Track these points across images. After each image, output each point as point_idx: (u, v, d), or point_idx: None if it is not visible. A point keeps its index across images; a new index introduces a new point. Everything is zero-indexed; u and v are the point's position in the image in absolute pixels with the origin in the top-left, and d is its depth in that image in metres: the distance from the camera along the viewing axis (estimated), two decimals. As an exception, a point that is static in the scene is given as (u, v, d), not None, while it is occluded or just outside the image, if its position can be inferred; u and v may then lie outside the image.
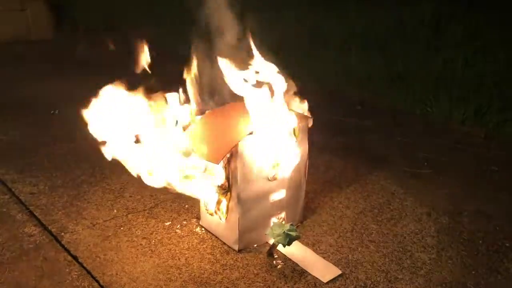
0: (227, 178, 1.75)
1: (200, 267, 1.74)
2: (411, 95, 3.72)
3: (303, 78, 1.90)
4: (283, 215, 1.92)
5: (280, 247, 1.80)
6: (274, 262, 1.77)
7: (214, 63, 1.74)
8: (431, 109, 3.51)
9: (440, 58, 4.37)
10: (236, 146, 1.66)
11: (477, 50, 4.44)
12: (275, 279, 1.68)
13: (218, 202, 1.84)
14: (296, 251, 1.82)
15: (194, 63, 1.85)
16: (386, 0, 5.55)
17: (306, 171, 1.95)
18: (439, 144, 2.96)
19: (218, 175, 1.78)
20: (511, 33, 4.51)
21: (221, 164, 1.72)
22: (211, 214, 1.90)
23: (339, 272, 1.72)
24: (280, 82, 1.75)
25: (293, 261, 1.78)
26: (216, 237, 1.91)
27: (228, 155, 1.69)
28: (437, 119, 3.39)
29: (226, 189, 1.78)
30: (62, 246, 1.85)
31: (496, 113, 3.28)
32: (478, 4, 5.29)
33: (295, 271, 1.73)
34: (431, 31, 5.02)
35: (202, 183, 1.81)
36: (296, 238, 1.72)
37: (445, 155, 2.79)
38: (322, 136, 2.84)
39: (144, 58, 1.87)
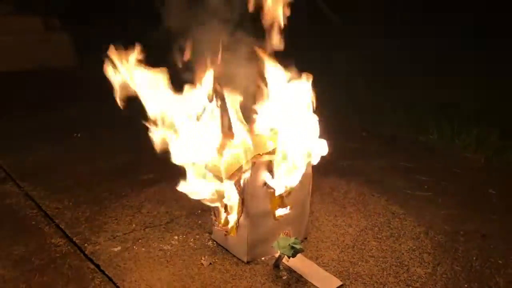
0: (239, 195, 1.92)
1: (212, 276, 1.89)
2: (415, 122, 3.88)
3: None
4: (289, 230, 2.08)
5: (285, 260, 1.94)
6: (280, 273, 1.92)
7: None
8: (433, 136, 3.66)
9: (444, 87, 4.56)
10: (245, 164, 1.84)
11: (479, 79, 4.62)
12: (280, 288, 1.83)
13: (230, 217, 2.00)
14: (300, 263, 1.97)
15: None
16: (390, 32, 5.82)
17: (310, 189, 2.12)
18: (439, 169, 3.10)
19: (232, 192, 1.95)
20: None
21: (233, 181, 1.90)
22: (221, 230, 2.06)
23: (340, 283, 1.86)
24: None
25: (297, 272, 1.92)
26: (227, 250, 2.07)
27: (239, 173, 1.86)
28: (439, 145, 3.54)
29: (238, 205, 1.95)
30: (86, 255, 2.02)
31: (496, 140, 3.42)
32: (481, 35, 5.52)
33: (299, 282, 1.87)
34: (434, 61, 5.24)
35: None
36: (300, 250, 1.87)
37: (445, 179, 2.93)
38: (328, 160, 3.00)
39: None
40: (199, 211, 2.39)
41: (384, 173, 2.99)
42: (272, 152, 1.90)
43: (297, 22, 2.09)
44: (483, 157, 3.25)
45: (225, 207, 2.04)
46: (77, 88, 4.92)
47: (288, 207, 2.03)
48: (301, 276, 1.90)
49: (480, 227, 2.34)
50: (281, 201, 2.00)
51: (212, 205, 2.05)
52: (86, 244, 2.10)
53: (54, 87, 4.90)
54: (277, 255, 1.95)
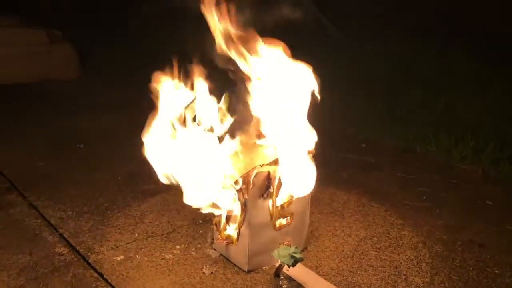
0: (240, 205, 1.96)
1: (213, 285, 1.93)
2: (413, 134, 3.93)
3: (311, 117, 2.13)
4: (289, 239, 2.11)
5: (285, 269, 1.98)
6: (280, 282, 1.95)
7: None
8: (431, 147, 3.71)
9: (441, 99, 4.61)
10: (247, 174, 1.89)
11: (476, 92, 4.68)
12: (280, 297, 1.86)
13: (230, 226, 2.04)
14: (300, 272, 2.00)
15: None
16: (390, 45, 5.90)
17: (310, 200, 2.16)
18: (438, 180, 3.14)
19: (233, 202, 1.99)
20: (510, 75, 4.77)
21: (234, 191, 1.94)
22: (223, 240, 2.10)
23: (339, 292, 1.90)
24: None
25: (297, 281, 1.95)
26: (228, 259, 2.10)
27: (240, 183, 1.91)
28: (437, 157, 3.58)
29: (239, 215, 1.99)
30: (89, 264, 2.05)
31: (493, 152, 3.46)
32: (479, 47, 5.59)
33: (299, 291, 1.90)
34: (433, 73, 5.30)
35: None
36: (300, 260, 1.91)
37: (443, 190, 2.97)
38: (328, 171, 3.05)
39: None
40: (201, 221, 2.43)
41: (383, 184, 3.03)
42: (273, 163, 1.95)
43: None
44: (480, 169, 3.29)
45: (227, 217, 2.07)
46: (80, 99, 4.96)
47: (288, 217, 2.07)
48: (301, 285, 1.93)
49: (477, 237, 2.38)
50: (282, 211, 2.04)
51: (216, 211, 2.07)
52: (89, 253, 2.13)
53: (57, 98, 4.94)
54: (277, 264, 1.99)
